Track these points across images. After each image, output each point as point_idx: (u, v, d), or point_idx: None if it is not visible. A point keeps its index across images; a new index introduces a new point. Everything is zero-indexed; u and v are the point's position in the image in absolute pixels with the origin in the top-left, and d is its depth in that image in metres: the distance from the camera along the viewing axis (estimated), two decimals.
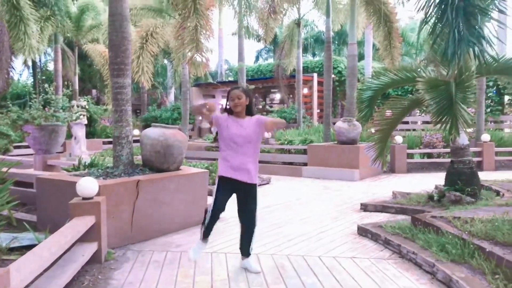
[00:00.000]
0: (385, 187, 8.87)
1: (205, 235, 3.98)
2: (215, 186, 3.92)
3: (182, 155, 5.85)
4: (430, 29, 5.36)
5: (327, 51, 12.80)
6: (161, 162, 5.62)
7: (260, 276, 3.92)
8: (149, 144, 5.61)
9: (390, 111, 6.78)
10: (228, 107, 3.92)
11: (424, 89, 5.62)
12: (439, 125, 5.29)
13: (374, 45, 22.86)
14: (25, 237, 4.49)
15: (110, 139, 16.28)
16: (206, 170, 6.22)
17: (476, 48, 4.31)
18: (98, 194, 4.44)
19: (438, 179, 9.03)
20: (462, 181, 6.16)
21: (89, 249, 4.06)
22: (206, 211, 3.94)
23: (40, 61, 27.84)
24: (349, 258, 4.40)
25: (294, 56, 19.44)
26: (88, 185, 4.26)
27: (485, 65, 4.94)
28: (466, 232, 4.16)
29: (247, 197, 3.95)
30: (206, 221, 3.91)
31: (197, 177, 5.84)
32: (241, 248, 4.14)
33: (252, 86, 15.31)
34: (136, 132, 16.48)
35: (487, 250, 3.73)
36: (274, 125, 3.93)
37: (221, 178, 3.88)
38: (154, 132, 5.69)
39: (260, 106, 22.18)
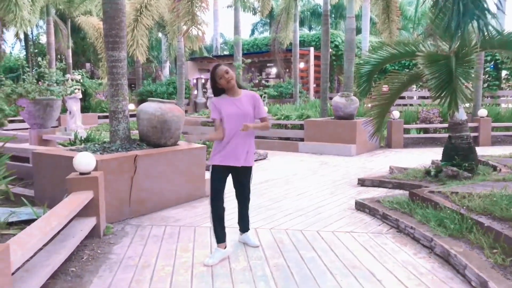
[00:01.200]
0: (382, 162, 8.90)
1: (218, 238, 3.75)
2: (210, 174, 3.76)
3: (179, 130, 5.80)
4: (431, 2, 5.26)
5: (325, 25, 12.62)
6: (158, 137, 5.57)
7: (259, 250, 3.94)
8: (146, 119, 5.55)
9: (388, 86, 6.72)
10: (218, 87, 3.72)
11: (423, 64, 5.56)
12: (438, 100, 5.25)
13: (371, 19, 22.59)
14: (23, 212, 4.48)
15: (106, 114, 16.17)
16: (203, 145, 6.18)
17: (480, 21, 4.23)
18: (96, 169, 4.41)
19: (434, 154, 9.08)
20: (460, 156, 6.18)
21: (88, 224, 4.05)
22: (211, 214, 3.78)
23: (32, 33, 27.32)
24: (347, 232, 4.42)
25: (290, 29, 19.17)
26: (85, 160, 4.22)
27: (488, 38, 4.87)
28: (464, 207, 4.19)
29: (243, 179, 3.87)
30: (212, 218, 3.75)
31: (194, 152, 5.81)
32: (240, 224, 4.12)
33: (248, 60, 15.09)
34: (131, 106, 16.35)
35: (485, 225, 3.75)
36: (260, 128, 3.72)
37: (216, 167, 3.74)
38: (151, 107, 5.61)
39: (257, 81, 21.98)
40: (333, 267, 3.56)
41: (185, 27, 10.86)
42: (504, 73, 18.21)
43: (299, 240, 4.21)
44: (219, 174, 3.75)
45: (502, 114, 12.43)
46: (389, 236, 4.30)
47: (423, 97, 17.90)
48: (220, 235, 3.77)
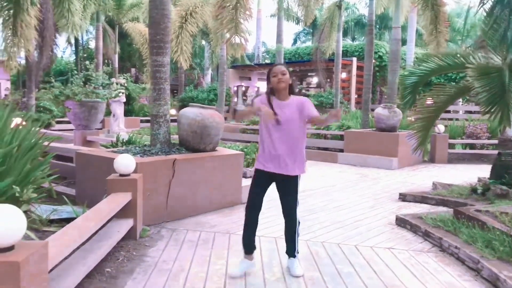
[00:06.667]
0: (424, 177, 8.58)
1: (246, 249, 3.62)
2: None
3: (219, 136, 5.81)
4: (487, 12, 5.03)
5: (369, 35, 12.41)
6: (197, 142, 5.59)
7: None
8: (186, 124, 5.59)
9: (433, 99, 6.49)
10: (270, 87, 3.55)
11: (473, 76, 5.32)
12: (487, 115, 5.01)
13: (417, 30, 22.06)
14: (64, 210, 4.58)
15: (148, 118, 16.52)
16: (241, 152, 6.16)
17: None
18: (135, 171, 4.45)
19: (480, 171, 8.65)
20: (510, 174, 5.85)
21: (125, 225, 4.09)
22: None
23: (82, 38, 28.51)
24: (387, 248, 4.25)
25: (333, 39, 18.98)
26: (125, 162, 4.27)
27: None
28: None
29: (284, 190, 3.64)
30: (244, 225, 3.63)
31: (232, 158, 5.79)
32: (286, 246, 3.76)
33: (290, 69, 15.03)
34: (172, 112, 16.61)
35: None
36: (323, 123, 3.45)
37: (256, 171, 3.62)
38: (192, 112, 5.65)
39: (297, 90, 21.89)
40: (371, 284, 3.41)
41: (228, 35, 10.94)
42: None
43: (335, 253, 4.09)
44: (259, 178, 3.60)
45: None
46: (431, 255, 4.09)
47: (470, 112, 17.22)
48: (247, 246, 3.62)
